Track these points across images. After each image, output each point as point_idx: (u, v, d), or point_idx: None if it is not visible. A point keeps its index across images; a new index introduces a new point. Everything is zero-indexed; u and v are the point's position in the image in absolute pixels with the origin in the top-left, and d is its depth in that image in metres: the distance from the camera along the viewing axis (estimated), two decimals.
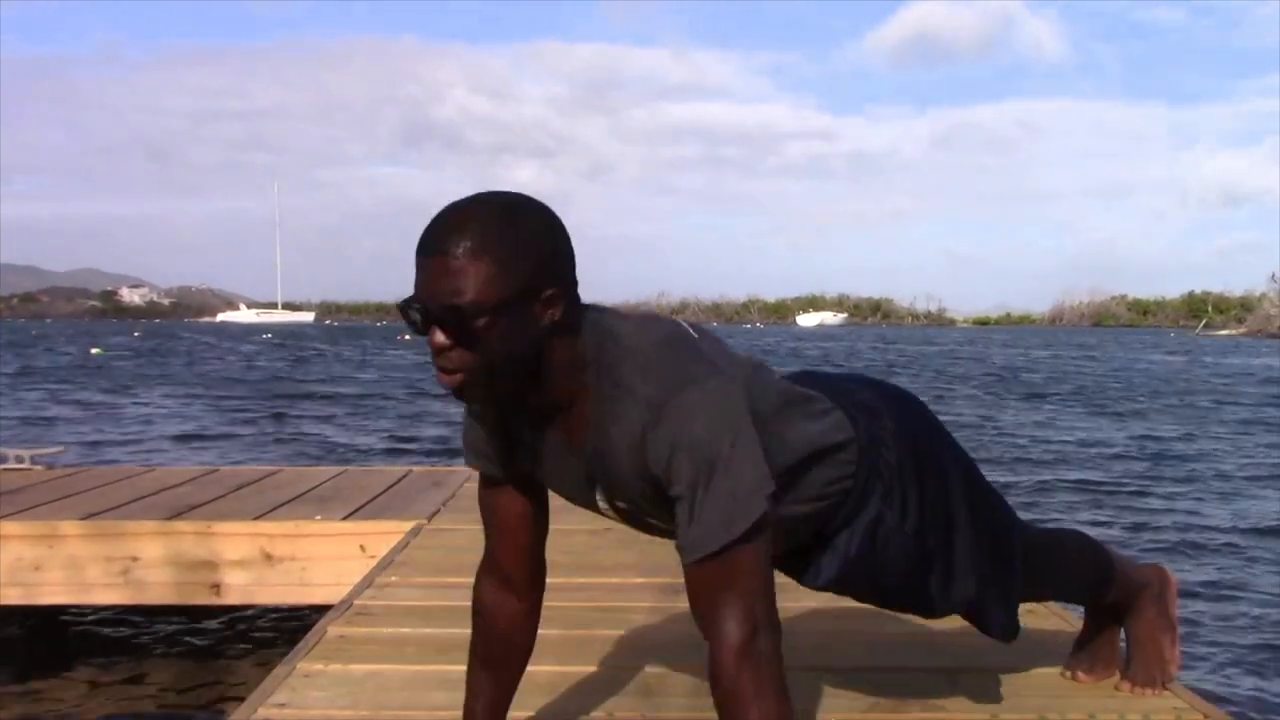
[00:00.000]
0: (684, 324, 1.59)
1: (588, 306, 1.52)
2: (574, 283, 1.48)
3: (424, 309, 1.42)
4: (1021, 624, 2.03)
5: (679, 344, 1.52)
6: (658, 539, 1.76)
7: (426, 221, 1.44)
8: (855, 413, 1.75)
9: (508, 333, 1.41)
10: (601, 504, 1.63)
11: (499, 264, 1.39)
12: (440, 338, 1.42)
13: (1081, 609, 2.27)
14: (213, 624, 4.76)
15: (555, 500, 1.69)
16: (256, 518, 4.22)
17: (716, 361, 1.53)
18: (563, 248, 1.46)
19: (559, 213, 1.48)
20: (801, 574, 1.84)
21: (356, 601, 2.95)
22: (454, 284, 1.39)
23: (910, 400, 1.91)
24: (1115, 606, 2.17)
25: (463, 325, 1.40)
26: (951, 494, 1.82)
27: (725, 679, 1.44)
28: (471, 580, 1.77)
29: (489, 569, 1.74)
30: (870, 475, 1.75)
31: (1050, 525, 2.28)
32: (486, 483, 1.70)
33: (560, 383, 1.50)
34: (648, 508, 1.57)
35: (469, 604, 1.77)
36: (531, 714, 2.05)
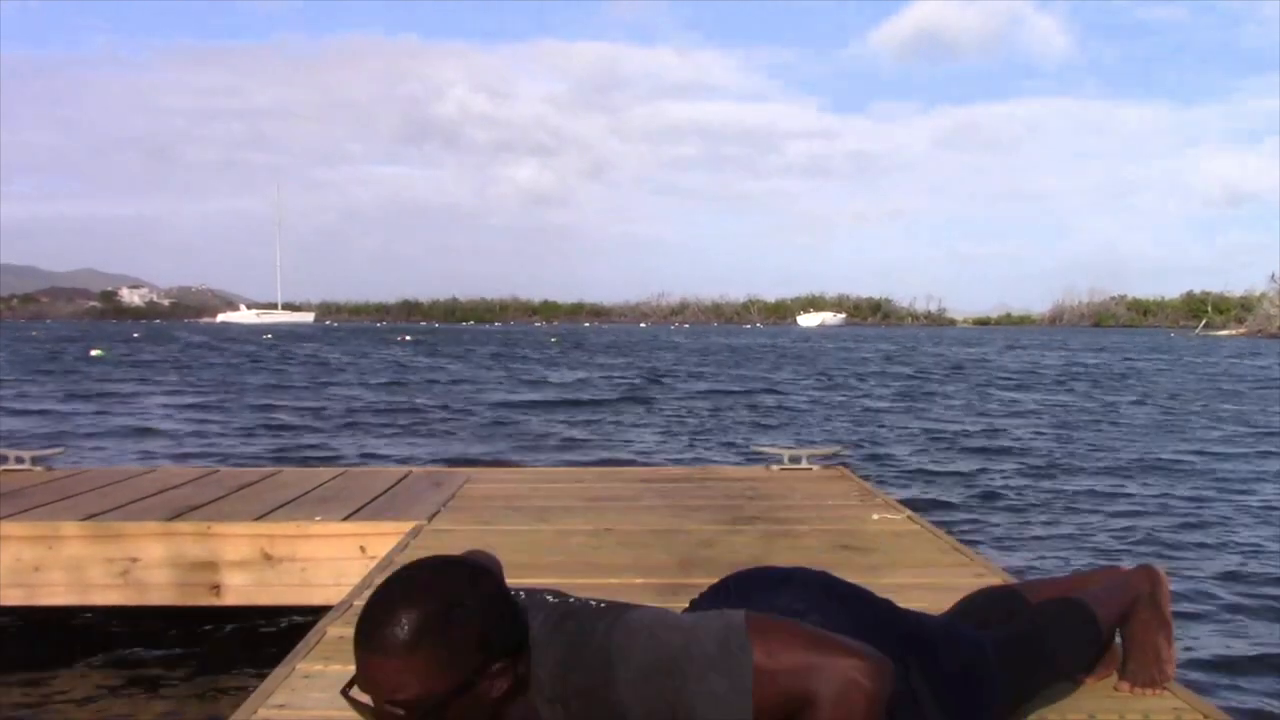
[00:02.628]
0: (584, 603, 1.57)
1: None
2: (520, 645, 1.47)
3: (372, 706, 1.42)
4: None
5: (584, 620, 1.51)
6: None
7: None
8: None
9: (458, 717, 1.42)
10: None
11: (440, 654, 1.40)
12: None
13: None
14: (213, 625, 4.75)
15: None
16: (257, 519, 4.22)
17: (615, 604, 1.55)
18: (506, 612, 1.46)
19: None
20: None
21: (356, 602, 2.95)
22: (395, 679, 1.40)
23: (827, 583, 1.87)
24: None
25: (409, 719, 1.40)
26: (911, 680, 1.75)
27: None
28: None
29: None
30: None
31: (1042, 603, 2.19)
32: None
33: None
34: None
35: None
36: None
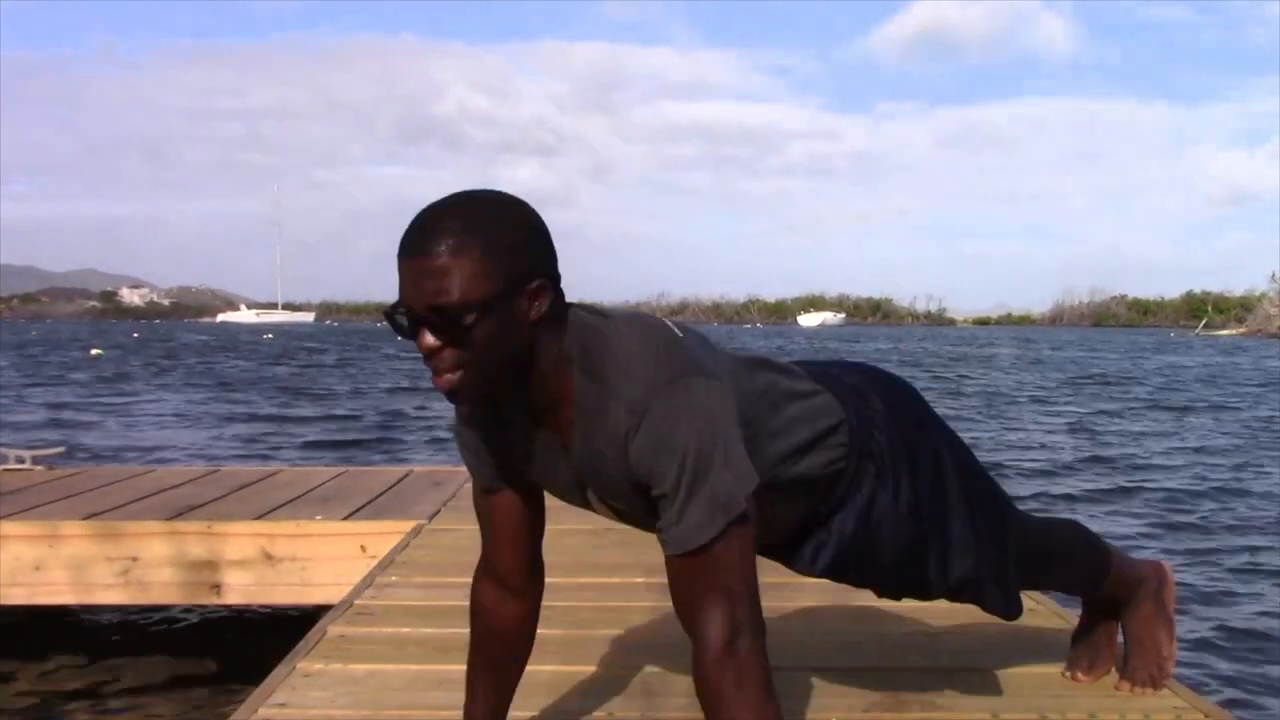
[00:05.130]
0: (669, 323, 1.58)
1: (572, 304, 1.52)
2: (558, 276, 1.47)
3: (409, 311, 1.40)
4: (1021, 621, 2.03)
5: (663, 343, 1.50)
6: (654, 541, 1.75)
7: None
8: (844, 395, 1.76)
9: (496, 329, 1.40)
10: (595, 504, 1.63)
11: (482, 259, 1.37)
12: (429, 340, 1.40)
13: (1079, 605, 2.27)
14: (213, 624, 4.76)
15: (553, 500, 1.69)
16: (257, 518, 4.22)
17: (701, 360, 1.51)
18: (545, 241, 1.46)
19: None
20: (797, 561, 1.84)
21: (357, 601, 2.96)
22: (438, 283, 1.37)
23: (898, 383, 1.92)
24: (1112, 601, 2.17)
25: (451, 324, 1.38)
26: (945, 474, 1.83)
27: (708, 680, 1.45)
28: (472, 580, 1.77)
29: (486, 571, 1.74)
30: (862, 457, 1.75)
31: (1045, 515, 2.25)
32: (482, 487, 1.70)
33: (549, 380, 1.49)
34: (637, 510, 1.57)
35: (469, 604, 1.77)
36: (532, 714, 2.05)
